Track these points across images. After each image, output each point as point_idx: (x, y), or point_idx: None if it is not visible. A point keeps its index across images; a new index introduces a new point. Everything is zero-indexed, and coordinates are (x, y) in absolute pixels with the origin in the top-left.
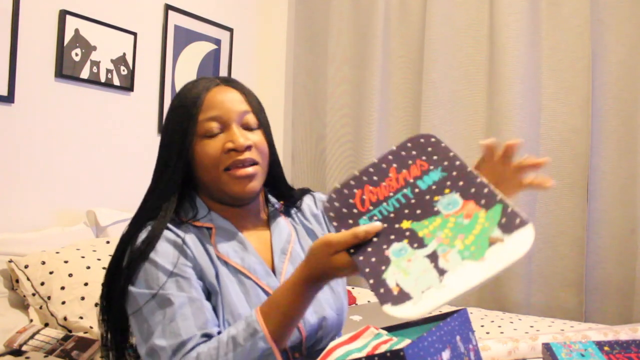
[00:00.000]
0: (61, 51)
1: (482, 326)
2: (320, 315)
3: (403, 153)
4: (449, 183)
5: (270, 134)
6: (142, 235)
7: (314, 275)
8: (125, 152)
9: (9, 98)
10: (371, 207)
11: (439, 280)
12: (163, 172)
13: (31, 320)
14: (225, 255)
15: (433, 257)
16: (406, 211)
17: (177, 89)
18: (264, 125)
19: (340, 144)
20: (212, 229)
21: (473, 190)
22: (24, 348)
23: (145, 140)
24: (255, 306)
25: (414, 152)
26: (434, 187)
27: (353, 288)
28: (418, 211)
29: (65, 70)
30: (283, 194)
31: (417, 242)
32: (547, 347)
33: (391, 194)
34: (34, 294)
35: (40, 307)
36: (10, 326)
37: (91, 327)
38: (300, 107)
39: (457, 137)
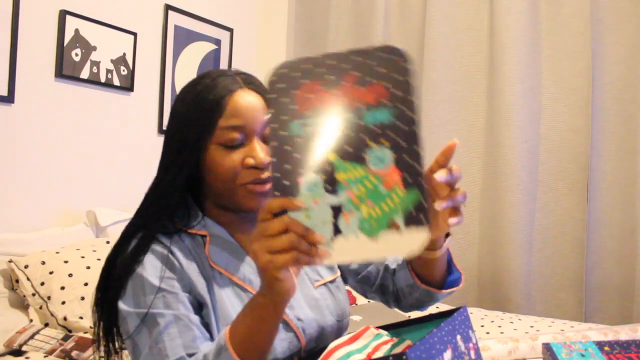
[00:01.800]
0: (61, 51)
1: (482, 326)
2: (320, 324)
3: (372, 63)
4: (392, 134)
5: None
6: (132, 245)
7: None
8: (125, 152)
9: (9, 98)
10: (310, 113)
11: (331, 240)
12: (166, 174)
13: (31, 320)
14: (219, 265)
15: (336, 211)
16: (339, 140)
17: (177, 89)
18: None
19: None
20: (206, 237)
21: (408, 159)
22: (24, 348)
23: (146, 140)
24: None
25: (382, 70)
26: (376, 129)
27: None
28: (349, 148)
29: (65, 70)
30: None
31: (331, 184)
32: (547, 347)
33: (334, 108)
34: (34, 294)
35: (40, 307)
36: (10, 326)
37: (91, 327)
38: None
39: (457, 137)
